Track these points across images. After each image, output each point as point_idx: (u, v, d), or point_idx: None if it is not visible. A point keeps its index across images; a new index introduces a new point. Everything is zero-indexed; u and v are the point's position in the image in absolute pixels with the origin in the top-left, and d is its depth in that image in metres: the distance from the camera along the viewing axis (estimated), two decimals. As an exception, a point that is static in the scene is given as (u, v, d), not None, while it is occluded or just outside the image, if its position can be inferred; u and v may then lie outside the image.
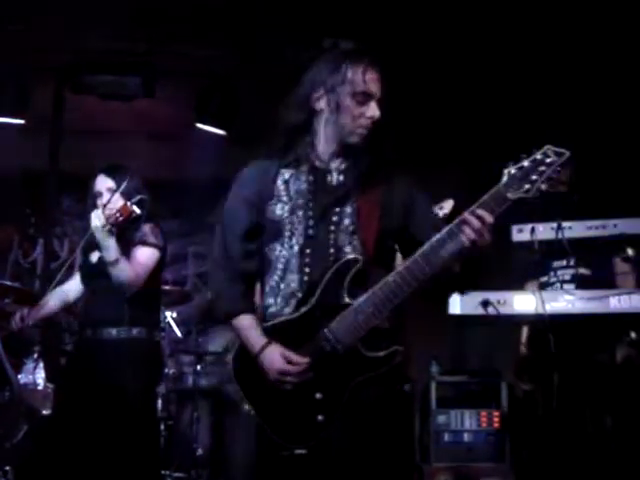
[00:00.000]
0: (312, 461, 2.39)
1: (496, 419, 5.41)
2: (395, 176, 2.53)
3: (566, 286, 3.96)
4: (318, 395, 2.39)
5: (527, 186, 2.27)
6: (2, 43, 5.29)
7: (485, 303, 3.65)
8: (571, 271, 4.08)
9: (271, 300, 2.50)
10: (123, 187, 3.75)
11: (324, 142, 2.50)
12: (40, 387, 4.75)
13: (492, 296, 3.67)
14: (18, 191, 6.68)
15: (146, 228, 3.83)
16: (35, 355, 4.84)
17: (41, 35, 5.27)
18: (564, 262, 4.11)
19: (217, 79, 5.84)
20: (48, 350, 5.15)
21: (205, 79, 5.85)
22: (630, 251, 3.85)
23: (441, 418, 5.43)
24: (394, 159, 2.52)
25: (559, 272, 4.11)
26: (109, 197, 3.76)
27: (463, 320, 3.78)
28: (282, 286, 2.47)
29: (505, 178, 2.29)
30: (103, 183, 3.85)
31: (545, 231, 3.82)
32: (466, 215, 2.28)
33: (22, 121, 5.78)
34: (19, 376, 4.69)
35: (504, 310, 3.65)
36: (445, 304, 3.69)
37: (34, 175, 6.44)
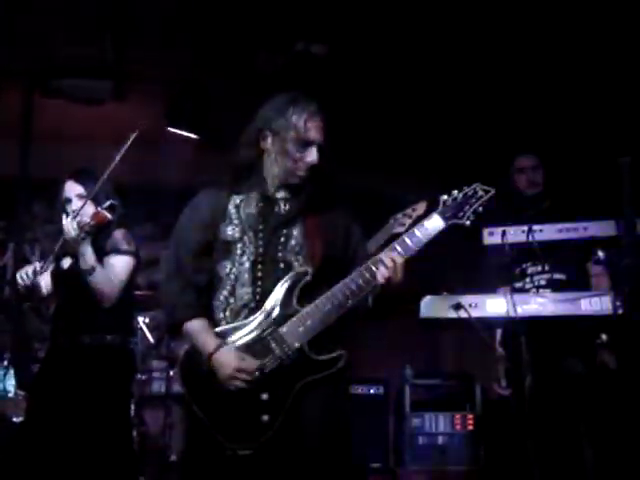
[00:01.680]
0: (255, 462, 2.49)
1: (470, 422, 5.44)
2: (336, 206, 2.76)
3: (542, 292, 3.98)
4: (264, 396, 2.52)
5: (460, 214, 2.60)
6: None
7: (457, 306, 3.66)
8: (546, 276, 4.11)
9: (220, 315, 2.65)
10: (93, 193, 3.71)
11: (270, 177, 2.69)
12: (11, 394, 4.71)
13: (464, 299, 3.68)
14: (-13, 196, 6.60)
15: (118, 235, 3.79)
16: (5, 362, 4.79)
17: (9, 39, 5.21)
18: (539, 268, 4.13)
19: (188, 83, 5.82)
20: (18, 357, 5.10)
21: (176, 83, 5.83)
22: (601, 253, 3.87)
23: (415, 421, 5.46)
24: (335, 192, 2.76)
25: (535, 278, 4.13)
26: (79, 203, 3.72)
27: (435, 323, 3.79)
28: (231, 300, 2.63)
29: (441, 206, 2.61)
30: (72, 189, 3.80)
31: (516, 234, 3.83)
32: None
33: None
34: (-12, 384, 4.64)
35: (476, 313, 3.66)
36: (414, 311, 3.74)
37: (4, 180, 6.37)
